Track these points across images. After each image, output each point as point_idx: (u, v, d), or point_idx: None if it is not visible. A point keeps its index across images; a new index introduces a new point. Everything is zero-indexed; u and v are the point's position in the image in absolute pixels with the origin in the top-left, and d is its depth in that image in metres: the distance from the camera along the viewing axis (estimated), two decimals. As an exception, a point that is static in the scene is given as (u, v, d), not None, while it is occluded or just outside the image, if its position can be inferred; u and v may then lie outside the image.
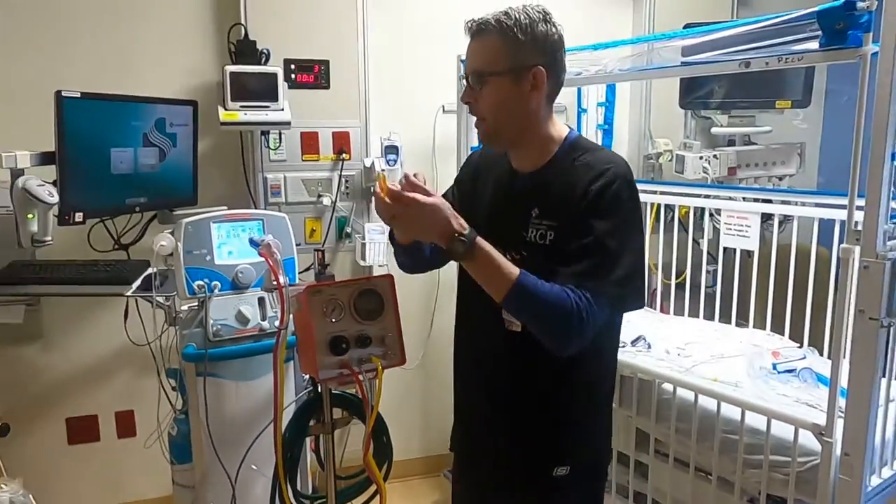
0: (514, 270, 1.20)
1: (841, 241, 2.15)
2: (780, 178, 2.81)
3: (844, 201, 2.24)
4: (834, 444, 1.61)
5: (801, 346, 2.37)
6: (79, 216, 2.04)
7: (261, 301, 1.87)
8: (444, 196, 1.48)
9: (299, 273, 2.03)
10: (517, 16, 1.26)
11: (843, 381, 2.03)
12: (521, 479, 1.37)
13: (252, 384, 1.89)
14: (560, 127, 1.37)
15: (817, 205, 2.34)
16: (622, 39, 2.28)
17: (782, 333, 2.46)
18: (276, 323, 1.78)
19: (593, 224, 1.23)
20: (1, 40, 2.38)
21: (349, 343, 1.28)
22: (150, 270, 2.17)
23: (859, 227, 1.51)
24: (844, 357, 1.61)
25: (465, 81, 1.37)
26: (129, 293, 2.07)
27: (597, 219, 1.23)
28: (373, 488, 1.61)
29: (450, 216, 1.20)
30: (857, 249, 1.51)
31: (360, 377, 1.24)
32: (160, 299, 2.10)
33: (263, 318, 1.87)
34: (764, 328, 2.51)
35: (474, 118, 1.36)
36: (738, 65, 1.72)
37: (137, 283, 2.10)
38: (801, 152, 2.77)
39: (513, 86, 1.28)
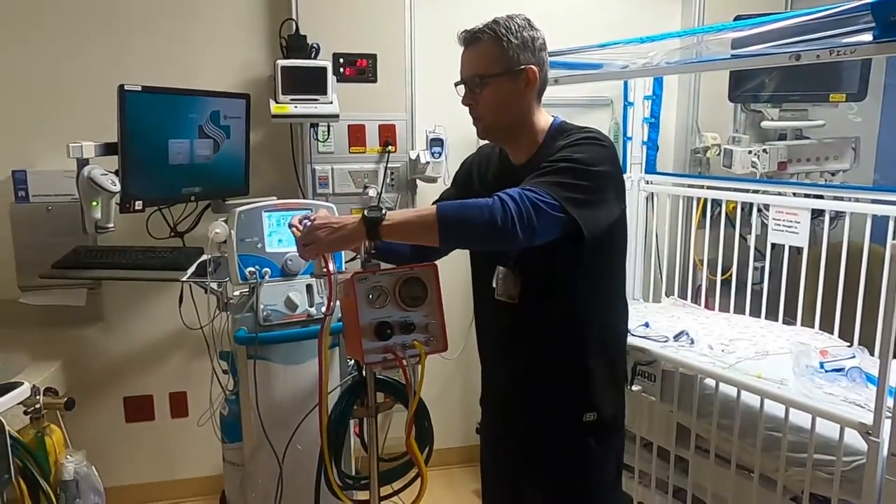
0: (432, 207, 1.30)
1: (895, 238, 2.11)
2: (833, 174, 2.74)
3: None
4: (881, 444, 1.58)
5: (850, 346, 2.31)
6: (138, 204, 2.14)
7: (309, 288, 1.93)
8: (445, 194, 1.71)
9: (346, 262, 2.08)
10: (506, 23, 1.41)
11: (893, 381, 1.99)
12: (553, 428, 1.48)
13: (299, 368, 1.95)
14: (546, 117, 1.50)
15: (872, 201, 2.29)
16: (670, 32, 2.26)
17: (831, 332, 2.41)
18: (323, 309, 1.85)
19: (557, 156, 1.35)
20: (67, 36, 2.51)
21: (393, 329, 1.32)
22: (204, 257, 2.27)
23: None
24: (895, 357, 1.58)
25: (461, 87, 1.49)
26: (184, 279, 2.16)
27: (561, 154, 1.36)
28: (414, 471, 1.66)
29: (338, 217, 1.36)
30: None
31: (404, 361, 1.28)
32: (213, 285, 2.19)
33: (311, 305, 1.93)
34: (812, 326, 2.46)
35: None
36: (789, 57, 1.70)
37: (192, 269, 2.19)
38: (856, 147, 2.70)
39: (509, 85, 1.42)
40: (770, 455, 1.87)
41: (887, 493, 1.57)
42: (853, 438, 1.68)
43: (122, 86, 2.06)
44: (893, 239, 1.53)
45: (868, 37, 1.52)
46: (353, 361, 2.10)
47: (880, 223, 2.23)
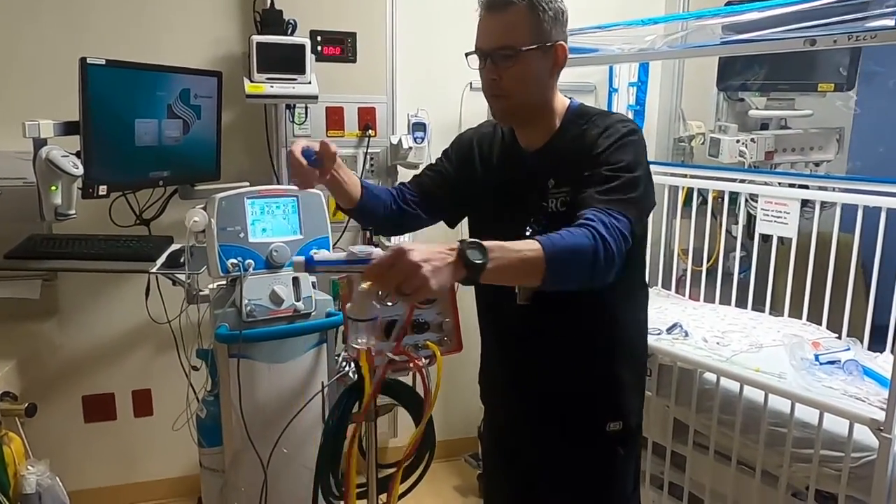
0: (534, 245, 1.09)
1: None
2: (817, 164, 2.74)
3: (887, 188, 2.22)
4: (893, 441, 1.56)
5: (839, 337, 2.31)
6: (103, 189, 1.97)
7: (295, 281, 1.80)
8: (432, 168, 1.57)
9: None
10: None
11: (887, 373, 1.98)
12: (577, 439, 1.38)
13: (284, 367, 1.83)
14: (562, 99, 1.39)
15: (860, 192, 2.28)
16: (662, 16, 2.20)
17: (819, 323, 2.40)
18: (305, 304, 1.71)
19: (607, 158, 1.25)
20: (23, 4, 2.28)
21: (406, 328, 1.21)
22: (175, 246, 2.11)
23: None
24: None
25: (474, 58, 1.32)
26: (154, 270, 2.00)
27: (610, 155, 1.25)
28: (414, 477, 1.57)
29: (430, 247, 1.03)
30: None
31: (422, 364, 1.17)
32: (182, 277, 2.03)
33: (298, 299, 1.80)
34: (799, 318, 2.45)
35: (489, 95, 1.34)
36: (803, 43, 1.64)
37: (162, 259, 2.03)
38: (840, 137, 2.70)
39: (539, 62, 1.30)
40: (773, 451, 1.83)
41: (899, 490, 1.55)
42: (862, 434, 1.65)
43: (83, 59, 1.87)
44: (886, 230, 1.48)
45: (890, 22, 1.48)
46: (341, 361, 1.98)
47: (871, 214, 2.22)
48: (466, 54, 1.35)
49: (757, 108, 2.78)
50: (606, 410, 1.38)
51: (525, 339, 1.40)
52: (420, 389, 1.57)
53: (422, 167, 2.63)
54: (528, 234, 1.32)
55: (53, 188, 1.85)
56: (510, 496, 1.52)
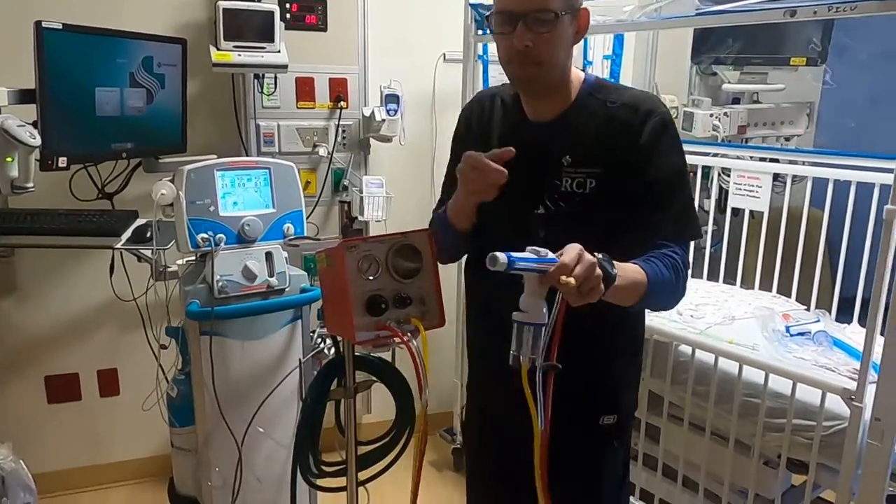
0: (640, 271, 1.15)
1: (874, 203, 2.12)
2: (788, 139, 2.76)
3: (858, 162, 2.25)
4: (864, 409, 1.59)
5: (808, 309, 2.35)
6: (62, 161, 1.87)
7: (268, 256, 1.75)
8: (450, 165, 1.45)
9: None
10: None
11: (856, 343, 2.03)
12: (570, 430, 1.28)
13: (258, 343, 1.78)
14: (576, 70, 1.31)
15: (824, 165, 2.31)
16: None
17: (788, 296, 2.44)
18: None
19: (659, 162, 1.22)
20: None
21: (388, 303, 1.18)
22: (140, 221, 2.03)
23: None
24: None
25: (512, 22, 1.18)
26: (118, 245, 1.93)
27: (660, 157, 1.22)
28: (391, 456, 1.55)
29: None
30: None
31: (407, 338, 1.14)
32: (147, 253, 1.96)
33: (271, 275, 1.75)
34: (770, 290, 2.49)
35: (506, 65, 1.23)
36: (783, 14, 1.63)
37: (128, 234, 1.95)
38: (811, 112, 2.72)
39: (569, 27, 1.21)
40: (746, 421, 1.86)
41: (868, 456, 1.58)
42: (833, 403, 1.68)
43: (38, 22, 1.77)
44: (892, 204, 1.49)
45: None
46: (316, 338, 1.95)
47: (842, 188, 2.25)
48: (487, 16, 1.25)
49: (730, 83, 2.79)
50: (603, 406, 1.35)
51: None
52: (400, 365, 1.56)
53: (395, 140, 2.65)
54: (539, 212, 1.26)
55: (9, 160, 1.76)
56: (497, 489, 1.47)
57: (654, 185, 1.22)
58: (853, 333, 2.15)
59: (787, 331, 2.11)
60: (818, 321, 2.17)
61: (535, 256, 1.00)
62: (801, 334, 2.11)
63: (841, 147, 2.74)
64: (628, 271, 1.12)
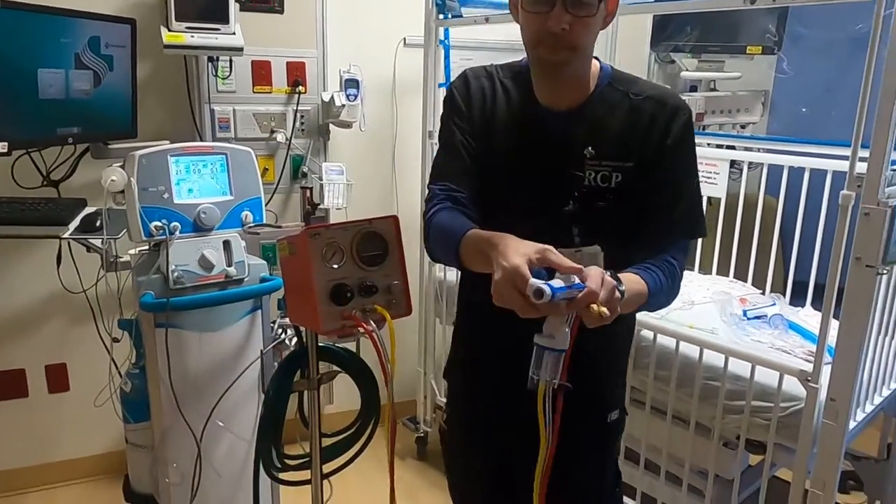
0: (641, 281, 1.12)
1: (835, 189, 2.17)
2: (743, 126, 2.82)
3: (812, 149, 2.31)
4: (819, 390, 1.63)
5: (763, 293, 2.40)
6: (3, 146, 1.77)
7: (226, 244, 1.69)
8: (447, 137, 1.29)
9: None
10: None
11: (810, 326, 2.08)
12: (579, 428, 1.22)
13: (215, 336, 1.72)
14: (592, 59, 1.24)
15: (779, 151, 2.36)
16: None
17: (744, 280, 2.49)
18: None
19: (682, 161, 1.21)
20: None
21: (353, 291, 1.15)
22: (89, 209, 1.94)
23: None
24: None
25: (549, 3, 1.09)
26: (65, 235, 1.84)
27: (682, 156, 1.22)
28: (356, 448, 1.52)
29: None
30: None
31: (372, 329, 1.11)
32: (97, 243, 1.88)
33: (229, 264, 1.69)
34: (727, 275, 2.54)
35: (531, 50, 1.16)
36: (743, 0, 1.65)
37: (76, 222, 1.87)
38: (766, 100, 2.78)
39: (600, 14, 1.14)
40: (707, 403, 1.89)
41: (824, 435, 1.63)
42: (790, 385, 1.72)
43: (-26, -2, 1.67)
44: (847, 189, 1.53)
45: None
46: (277, 328, 1.90)
47: (795, 175, 2.30)
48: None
49: (688, 70, 2.82)
50: (610, 402, 1.32)
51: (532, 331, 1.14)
52: (364, 354, 1.53)
53: (356, 126, 2.60)
54: (569, 209, 1.19)
55: (-55, 145, 1.66)
56: (486, 489, 1.42)
57: (674, 183, 1.21)
58: (807, 316, 2.21)
59: (745, 315, 2.16)
60: (774, 304, 2.22)
61: (564, 284, 0.97)
62: (758, 318, 2.15)
63: (796, 134, 2.81)
64: (632, 283, 1.09)
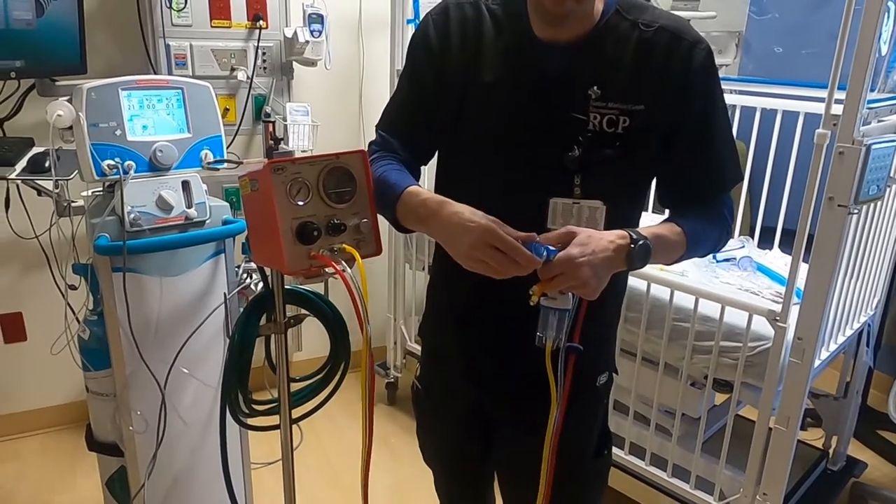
0: (679, 232, 1.09)
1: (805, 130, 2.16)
2: (718, 68, 2.77)
3: (785, 90, 2.29)
4: (787, 329, 1.65)
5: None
6: (-62, 80, 1.65)
7: (185, 185, 1.61)
8: (401, 78, 1.23)
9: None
10: None
11: (777, 268, 2.10)
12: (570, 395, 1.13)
13: (178, 280, 1.66)
14: None
15: (751, 93, 2.34)
16: None
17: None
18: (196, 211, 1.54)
19: (707, 101, 1.08)
20: None
21: (320, 230, 1.10)
22: (37, 149, 1.83)
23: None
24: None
25: None
26: (12, 176, 1.73)
27: (708, 94, 1.08)
28: (326, 393, 1.49)
29: (608, 234, 1.01)
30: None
31: (341, 268, 1.06)
32: (48, 185, 1.78)
33: (189, 206, 1.61)
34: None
35: None
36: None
37: (23, 163, 1.76)
38: (739, 41, 2.73)
39: None
40: (676, 344, 1.91)
41: (790, 373, 1.65)
42: (758, 325, 1.74)
43: None
44: (823, 128, 1.51)
45: None
46: (242, 271, 1.84)
47: (766, 118, 2.29)
48: None
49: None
50: (602, 364, 1.25)
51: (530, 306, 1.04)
52: (333, 298, 1.49)
53: (320, 64, 2.48)
54: (574, 155, 1.06)
55: None
56: (465, 453, 1.39)
57: (700, 127, 1.09)
58: (775, 258, 2.23)
59: (714, 257, 2.17)
60: (743, 247, 2.23)
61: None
62: (727, 260, 2.17)
63: (767, 74, 2.78)
64: (664, 237, 1.07)
